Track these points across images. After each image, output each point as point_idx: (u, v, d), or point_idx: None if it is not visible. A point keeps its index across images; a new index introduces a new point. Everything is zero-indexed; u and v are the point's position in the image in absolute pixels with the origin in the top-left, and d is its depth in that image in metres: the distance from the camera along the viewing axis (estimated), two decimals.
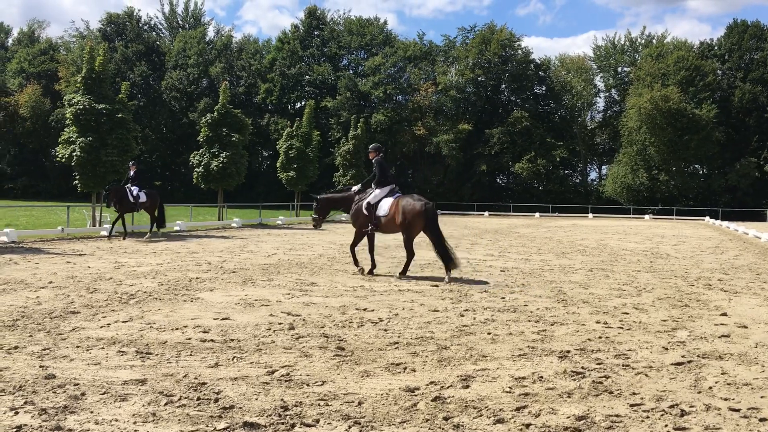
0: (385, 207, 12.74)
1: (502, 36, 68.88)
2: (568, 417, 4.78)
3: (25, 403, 4.83)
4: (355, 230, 13.45)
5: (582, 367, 6.13)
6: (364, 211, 12.95)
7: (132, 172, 21.78)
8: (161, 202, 22.33)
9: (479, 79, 69.40)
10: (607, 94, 73.57)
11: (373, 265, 13.23)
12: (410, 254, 12.78)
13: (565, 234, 29.78)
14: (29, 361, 6.00)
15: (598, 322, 8.38)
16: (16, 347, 6.49)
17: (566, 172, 71.38)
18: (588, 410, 4.93)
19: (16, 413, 4.62)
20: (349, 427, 4.51)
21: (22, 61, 78.59)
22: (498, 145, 66.21)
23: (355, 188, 13.62)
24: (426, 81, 71.18)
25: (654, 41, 71.48)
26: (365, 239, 13.44)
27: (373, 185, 13.19)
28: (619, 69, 72.70)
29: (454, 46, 74.59)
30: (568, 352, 6.75)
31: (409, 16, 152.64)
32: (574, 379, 5.74)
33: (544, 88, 72.29)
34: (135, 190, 21.17)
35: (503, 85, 71.90)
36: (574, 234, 29.92)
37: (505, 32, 69.54)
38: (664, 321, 8.58)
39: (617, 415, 4.85)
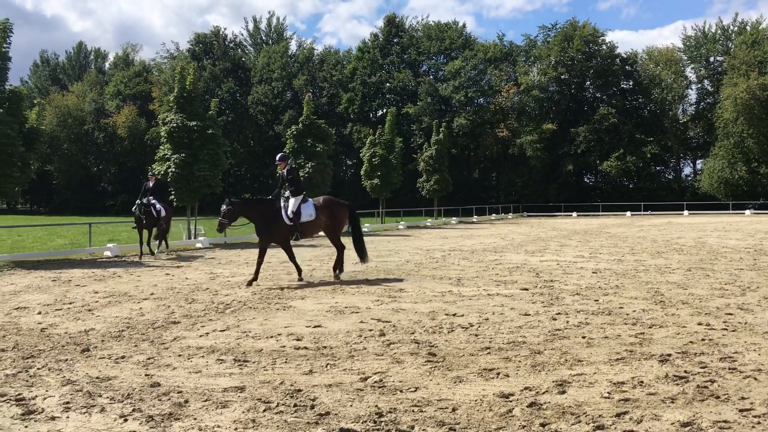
0: (309, 211, 13.12)
1: (585, 32, 67.16)
2: (673, 423, 4.60)
3: (134, 410, 5.06)
4: (278, 244, 13.44)
5: (685, 371, 5.88)
6: (288, 222, 12.98)
7: (151, 184, 19.96)
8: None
9: (562, 77, 67.97)
10: (699, 85, 70.34)
11: (299, 270, 13.43)
12: (341, 248, 13.50)
13: (660, 233, 28.66)
14: (135, 369, 6.29)
15: (699, 324, 8.03)
16: (123, 357, 6.81)
17: (658, 168, 68.63)
18: (694, 416, 4.73)
19: (126, 420, 4.86)
20: None
21: (118, 84, 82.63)
22: (584, 144, 64.57)
23: (287, 195, 13.29)
24: (507, 82, 70.24)
25: (748, 28, 67.85)
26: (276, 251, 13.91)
27: (290, 195, 13.16)
28: (711, 59, 69.37)
29: (535, 45, 73.20)
30: (669, 355, 6.49)
31: (487, 17, 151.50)
32: (677, 384, 5.52)
33: (631, 83, 69.88)
34: (157, 204, 19.45)
35: (588, 82, 70.05)
36: (669, 232, 28.76)
37: (588, 28, 67.78)
38: None
39: (725, 421, 4.63)
